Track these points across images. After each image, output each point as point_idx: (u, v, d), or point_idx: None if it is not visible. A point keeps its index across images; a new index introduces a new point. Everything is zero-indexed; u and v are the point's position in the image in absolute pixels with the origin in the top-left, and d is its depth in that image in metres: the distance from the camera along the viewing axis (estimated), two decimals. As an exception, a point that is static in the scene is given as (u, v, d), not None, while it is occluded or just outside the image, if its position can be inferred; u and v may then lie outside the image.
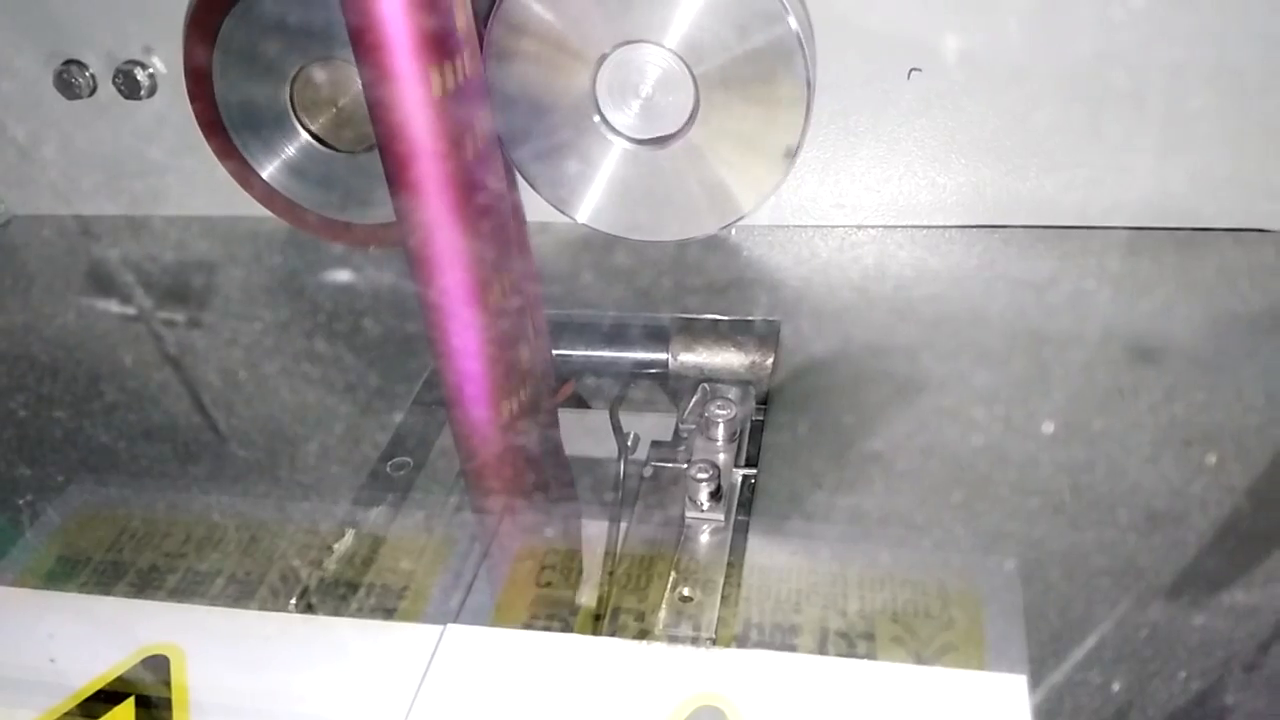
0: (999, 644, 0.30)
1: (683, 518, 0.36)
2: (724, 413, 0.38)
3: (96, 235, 0.54)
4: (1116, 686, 0.28)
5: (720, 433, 0.38)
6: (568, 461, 0.41)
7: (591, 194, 0.46)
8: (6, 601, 0.33)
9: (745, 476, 0.37)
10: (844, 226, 0.49)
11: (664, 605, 0.33)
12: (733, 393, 0.41)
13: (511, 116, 0.44)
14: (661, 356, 0.44)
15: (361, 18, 0.28)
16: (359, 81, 0.32)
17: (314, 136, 0.48)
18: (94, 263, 0.53)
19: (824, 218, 0.49)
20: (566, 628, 0.34)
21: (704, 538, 0.35)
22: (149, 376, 0.45)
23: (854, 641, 0.31)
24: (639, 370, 0.44)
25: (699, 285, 0.46)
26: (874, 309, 0.44)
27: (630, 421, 0.42)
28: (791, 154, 0.42)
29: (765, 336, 0.43)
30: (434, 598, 0.34)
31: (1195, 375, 0.39)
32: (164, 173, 0.53)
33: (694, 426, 0.39)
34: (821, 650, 0.30)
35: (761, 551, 0.34)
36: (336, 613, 0.33)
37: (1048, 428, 0.37)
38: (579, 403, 0.45)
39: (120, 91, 0.49)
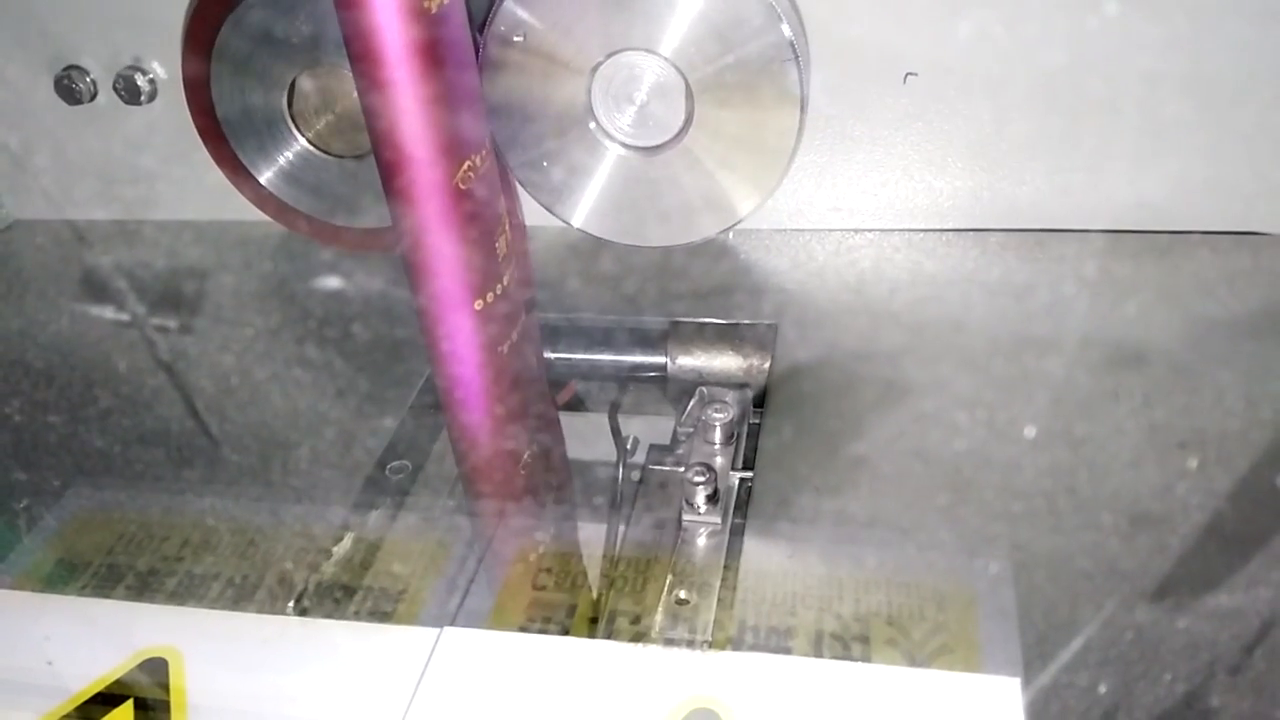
0: (993, 647, 0.30)
1: (679, 521, 0.36)
2: (720, 415, 0.39)
3: (96, 240, 0.54)
4: (1107, 688, 0.29)
5: (717, 435, 0.38)
6: (568, 465, 0.41)
7: (587, 200, 0.46)
8: (5, 605, 0.34)
9: (741, 480, 0.37)
10: (840, 230, 0.49)
11: (660, 608, 0.33)
12: (729, 395, 0.41)
13: (508, 123, 0.44)
14: (659, 360, 0.44)
15: (356, 25, 0.28)
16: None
17: (312, 144, 0.48)
18: (97, 268, 0.53)
19: (820, 221, 0.49)
20: (563, 631, 0.34)
21: (700, 541, 0.35)
22: (150, 381, 0.45)
23: (849, 644, 0.31)
24: (637, 374, 0.44)
25: (696, 290, 0.46)
26: (871, 312, 0.44)
27: (629, 425, 0.42)
28: (786, 159, 0.43)
29: (762, 340, 0.43)
30: (431, 601, 0.34)
31: (1191, 376, 0.39)
32: (164, 178, 0.53)
33: (691, 430, 0.39)
34: (816, 653, 0.31)
35: (757, 554, 0.34)
36: (334, 616, 0.34)
37: (1047, 429, 0.37)
38: (577, 406, 0.45)
39: (121, 97, 0.49)
